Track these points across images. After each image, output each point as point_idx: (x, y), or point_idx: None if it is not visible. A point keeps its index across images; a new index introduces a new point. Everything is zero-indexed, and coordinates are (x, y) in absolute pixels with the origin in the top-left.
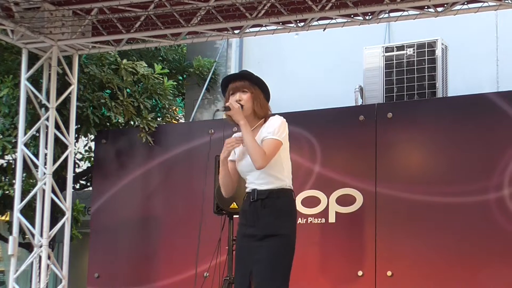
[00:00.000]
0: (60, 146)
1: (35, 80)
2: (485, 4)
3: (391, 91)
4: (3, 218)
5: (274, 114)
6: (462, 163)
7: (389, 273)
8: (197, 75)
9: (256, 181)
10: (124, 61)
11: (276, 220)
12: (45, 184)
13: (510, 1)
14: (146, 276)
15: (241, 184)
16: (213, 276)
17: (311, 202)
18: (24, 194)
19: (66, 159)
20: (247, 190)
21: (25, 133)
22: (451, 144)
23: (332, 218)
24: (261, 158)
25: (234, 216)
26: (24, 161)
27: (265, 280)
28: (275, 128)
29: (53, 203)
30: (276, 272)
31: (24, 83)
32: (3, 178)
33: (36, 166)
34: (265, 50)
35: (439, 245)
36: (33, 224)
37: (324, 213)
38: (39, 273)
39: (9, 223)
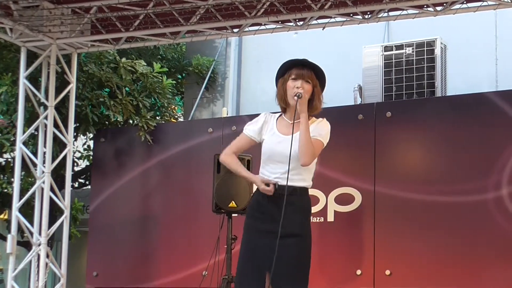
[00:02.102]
0: (58, 145)
1: (33, 79)
2: (484, 3)
3: (390, 90)
4: (1, 216)
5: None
6: (460, 162)
7: (387, 272)
8: (196, 73)
9: (283, 176)
10: (123, 59)
11: (302, 219)
12: (43, 182)
13: (509, 0)
14: (144, 275)
15: (241, 182)
16: (211, 275)
17: None
18: (22, 192)
19: (64, 158)
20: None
21: (24, 132)
22: (450, 143)
23: (330, 217)
24: (311, 156)
25: (233, 214)
26: (23, 159)
27: (291, 281)
28: (326, 132)
29: (51, 201)
30: (298, 272)
31: (22, 82)
32: (2, 176)
33: (34, 165)
34: (264, 49)
35: (437, 244)
36: (31, 223)
37: (323, 212)
38: (38, 271)
39: (8, 222)
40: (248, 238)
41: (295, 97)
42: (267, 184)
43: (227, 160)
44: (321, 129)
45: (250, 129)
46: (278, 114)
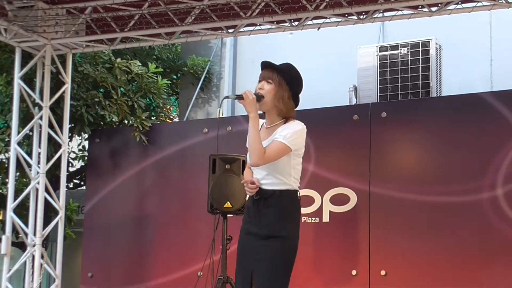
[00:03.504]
0: (53, 145)
1: (28, 79)
2: (479, 4)
3: (385, 91)
4: None
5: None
6: (456, 163)
7: (382, 272)
8: (191, 74)
9: (261, 181)
10: (118, 60)
11: (278, 221)
12: (38, 183)
13: (504, 1)
14: (139, 275)
15: (237, 183)
16: (207, 276)
17: (305, 201)
18: (17, 193)
19: (59, 158)
20: None
21: (19, 132)
22: (445, 143)
23: (326, 218)
24: (257, 156)
25: (228, 215)
26: (18, 160)
27: (265, 281)
28: (289, 133)
29: (46, 202)
30: (275, 274)
31: (17, 82)
32: None
33: (29, 165)
34: (259, 49)
35: (432, 245)
36: (26, 223)
37: (318, 212)
38: (32, 272)
39: (2, 222)
40: (240, 240)
41: (235, 99)
42: (240, 96)
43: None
44: (285, 130)
45: None
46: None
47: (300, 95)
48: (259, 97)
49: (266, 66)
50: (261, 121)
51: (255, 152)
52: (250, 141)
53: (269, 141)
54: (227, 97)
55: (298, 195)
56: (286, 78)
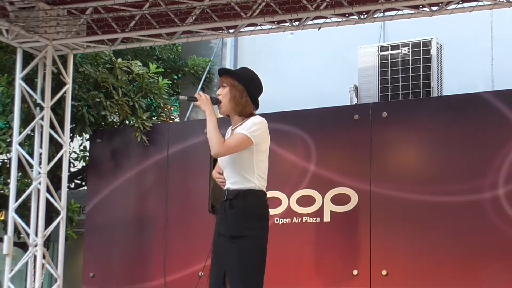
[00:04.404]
0: (55, 146)
1: (29, 80)
2: (480, 3)
3: (386, 90)
4: None
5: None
6: (457, 162)
7: (384, 272)
8: (192, 74)
9: (227, 180)
10: (119, 60)
11: (240, 221)
12: (40, 183)
13: (504, 0)
14: (141, 275)
15: None
16: (208, 276)
17: (306, 201)
18: (19, 193)
19: (61, 159)
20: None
21: (20, 133)
22: (446, 143)
23: (327, 218)
24: (216, 145)
25: None
26: (19, 160)
27: (235, 282)
28: (248, 125)
29: (48, 202)
30: (245, 274)
31: (18, 83)
32: None
33: (31, 166)
34: (260, 49)
35: (433, 244)
36: (28, 224)
37: (319, 212)
38: (34, 272)
39: (4, 223)
40: (213, 241)
41: (188, 101)
42: (193, 98)
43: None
44: (245, 124)
45: None
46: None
47: (259, 96)
48: (215, 100)
49: (220, 73)
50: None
51: (214, 141)
52: (209, 133)
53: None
54: (179, 97)
55: (264, 196)
56: (237, 78)
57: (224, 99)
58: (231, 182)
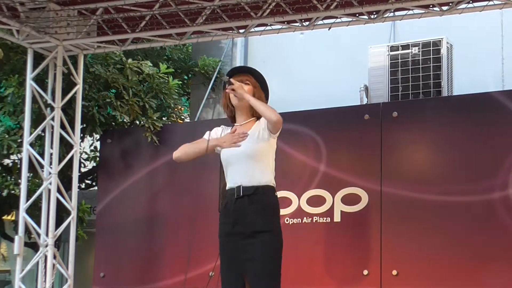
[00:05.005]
0: (65, 146)
1: (40, 80)
2: (490, 2)
3: (396, 90)
4: (9, 217)
5: None
6: (467, 162)
7: (394, 272)
8: (202, 74)
9: (240, 176)
10: (129, 60)
11: (264, 216)
12: (50, 183)
13: None
14: (151, 276)
15: None
16: (218, 276)
17: (316, 201)
18: (29, 193)
19: (71, 159)
20: (230, 186)
21: (31, 133)
22: (456, 142)
23: (337, 217)
24: (275, 113)
25: None
26: (30, 160)
27: (262, 278)
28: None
29: (58, 202)
30: (270, 270)
31: (29, 83)
32: (9, 177)
33: (41, 166)
34: (270, 49)
35: (444, 244)
36: (38, 224)
37: (329, 212)
38: (45, 272)
39: (15, 223)
40: (222, 243)
41: (227, 83)
42: (230, 82)
43: (181, 151)
44: (263, 122)
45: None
46: (231, 126)
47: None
48: (228, 82)
49: (244, 70)
50: (222, 127)
51: (271, 110)
52: (261, 105)
53: (256, 132)
54: (225, 77)
55: (276, 191)
56: (260, 82)
57: (248, 94)
58: (245, 177)
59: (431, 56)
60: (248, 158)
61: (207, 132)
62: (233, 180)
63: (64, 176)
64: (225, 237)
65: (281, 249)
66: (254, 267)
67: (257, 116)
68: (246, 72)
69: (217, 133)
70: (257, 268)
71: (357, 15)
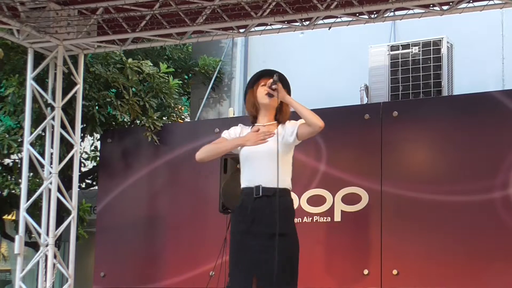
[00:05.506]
0: (66, 145)
1: (40, 80)
2: (491, 2)
3: (396, 90)
4: (9, 217)
5: None
6: (467, 162)
7: (394, 271)
8: (202, 74)
9: (260, 176)
10: (130, 60)
11: (283, 219)
12: (51, 183)
13: None
14: (152, 275)
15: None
16: (219, 275)
17: (316, 201)
18: (30, 193)
19: (72, 158)
20: (247, 185)
21: (31, 133)
22: (457, 142)
23: (337, 217)
24: (320, 118)
25: None
26: (30, 160)
27: (281, 283)
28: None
29: (59, 202)
30: (291, 273)
31: (30, 83)
32: (9, 177)
33: (42, 166)
34: (270, 49)
35: (444, 244)
36: (39, 223)
37: (330, 212)
38: (45, 272)
39: (16, 222)
40: (237, 241)
41: (269, 90)
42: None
43: (204, 153)
44: (290, 126)
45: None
46: (251, 126)
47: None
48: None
49: (271, 74)
50: (240, 126)
51: (315, 115)
52: (305, 110)
53: (282, 135)
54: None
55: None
56: (286, 88)
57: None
58: (266, 177)
59: (432, 56)
60: (270, 158)
61: (226, 131)
62: (251, 179)
63: (65, 175)
64: (239, 235)
65: (298, 252)
66: (270, 270)
67: (277, 119)
68: (282, 81)
69: (236, 132)
70: (272, 271)
71: (357, 14)
